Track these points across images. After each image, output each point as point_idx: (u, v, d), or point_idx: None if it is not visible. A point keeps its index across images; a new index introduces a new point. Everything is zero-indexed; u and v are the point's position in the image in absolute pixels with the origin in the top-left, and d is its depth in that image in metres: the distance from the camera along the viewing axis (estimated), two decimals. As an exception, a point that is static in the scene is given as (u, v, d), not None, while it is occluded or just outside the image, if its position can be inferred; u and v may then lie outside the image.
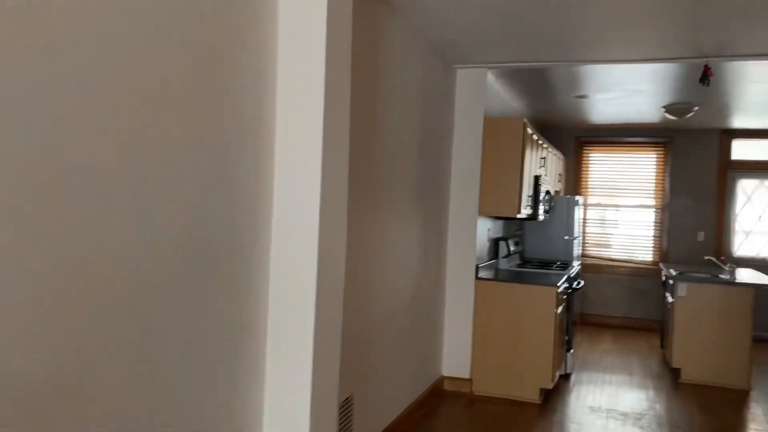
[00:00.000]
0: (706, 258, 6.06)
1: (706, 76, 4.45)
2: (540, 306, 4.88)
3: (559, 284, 4.91)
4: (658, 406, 4.93)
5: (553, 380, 4.90)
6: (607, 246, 8.51)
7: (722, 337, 5.56)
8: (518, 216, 5.02)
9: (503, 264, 5.85)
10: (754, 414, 4.86)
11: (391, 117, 3.71)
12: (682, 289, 5.68)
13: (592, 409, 4.81)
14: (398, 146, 3.85)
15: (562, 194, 7.81)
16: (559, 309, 5.04)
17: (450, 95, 4.94)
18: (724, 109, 6.69)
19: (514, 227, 6.70)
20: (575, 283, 5.82)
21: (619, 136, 8.34)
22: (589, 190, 8.55)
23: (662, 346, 6.76)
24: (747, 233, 7.93)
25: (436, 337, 4.95)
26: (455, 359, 5.09)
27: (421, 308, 4.48)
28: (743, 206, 7.94)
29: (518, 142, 4.96)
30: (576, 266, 6.73)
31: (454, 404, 4.82)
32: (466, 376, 5.06)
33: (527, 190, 5.25)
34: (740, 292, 5.52)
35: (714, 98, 6.02)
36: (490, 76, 5.22)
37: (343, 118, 2.33)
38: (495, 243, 5.83)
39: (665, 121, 7.52)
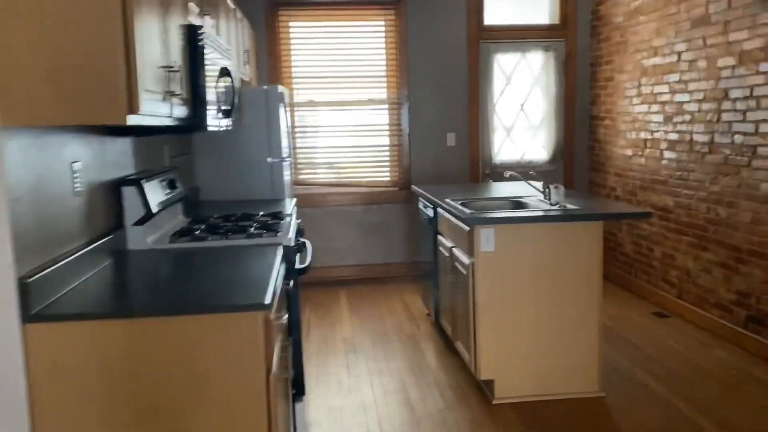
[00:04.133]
0: (509, 173, 3.54)
1: None
2: (230, 369, 1.77)
3: (270, 291, 1.84)
4: None
5: None
6: (328, 165, 5.70)
7: (558, 319, 3.15)
8: (137, 122, 1.73)
9: (137, 240, 2.55)
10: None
11: None
12: (487, 239, 3.07)
13: None
14: None
15: (254, 86, 4.67)
16: (276, 353, 1.99)
17: None
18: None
19: (170, 148, 3.38)
20: (300, 256, 2.83)
21: (331, -7, 5.40)
22: (293, 81, 5.54)
23: (435, 318, 4.26)
24: (508, 130, 5.78)
25: None
26: None
27: None
28: (502, 92, 5.73)
29: None
30: (292, 209, 3.74)
31: None
32: None
33: (161, 55, 1.96)
34: (581, 233, 3.11)
35: None
36: None
37: None
38: (113, 194, 2.49)
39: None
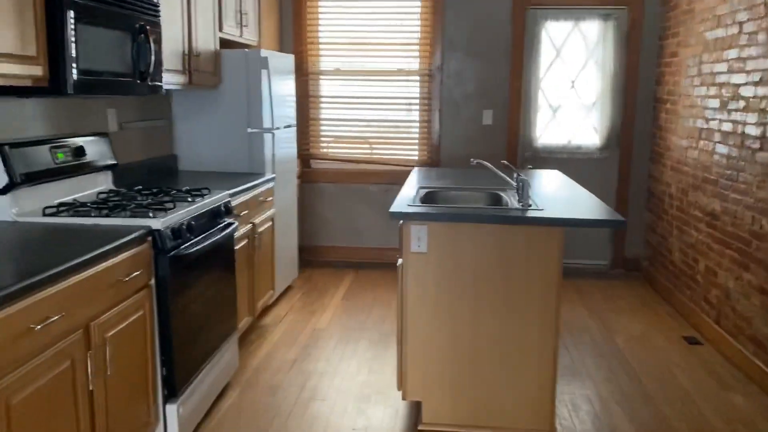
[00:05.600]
0: (475, 161, 3.01)
1: None
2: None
3: None
4: None
5: None
6: (350, 139, 5.32)
7: (503, 339, 2.63)
8: None
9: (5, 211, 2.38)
10: None
11: None
12: (418, 238, 2.60)
13: None
14: None
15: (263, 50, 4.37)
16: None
17: None
18: None
19: (118, 112, 3.16)
20: (187, 242, 2.51)
21: (362, -48, 4.96)
22: (320, 48, 5.19)
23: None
24: (555, 109, 5.09)
25: None
26: None
27: None
28: (550, 66, 5.04)
29: None
30: (255, 186, 3.45)
31: None
32: None
33: None
34: (537, 240, 2.55)
35: None
36: None
37: None
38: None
39: None
